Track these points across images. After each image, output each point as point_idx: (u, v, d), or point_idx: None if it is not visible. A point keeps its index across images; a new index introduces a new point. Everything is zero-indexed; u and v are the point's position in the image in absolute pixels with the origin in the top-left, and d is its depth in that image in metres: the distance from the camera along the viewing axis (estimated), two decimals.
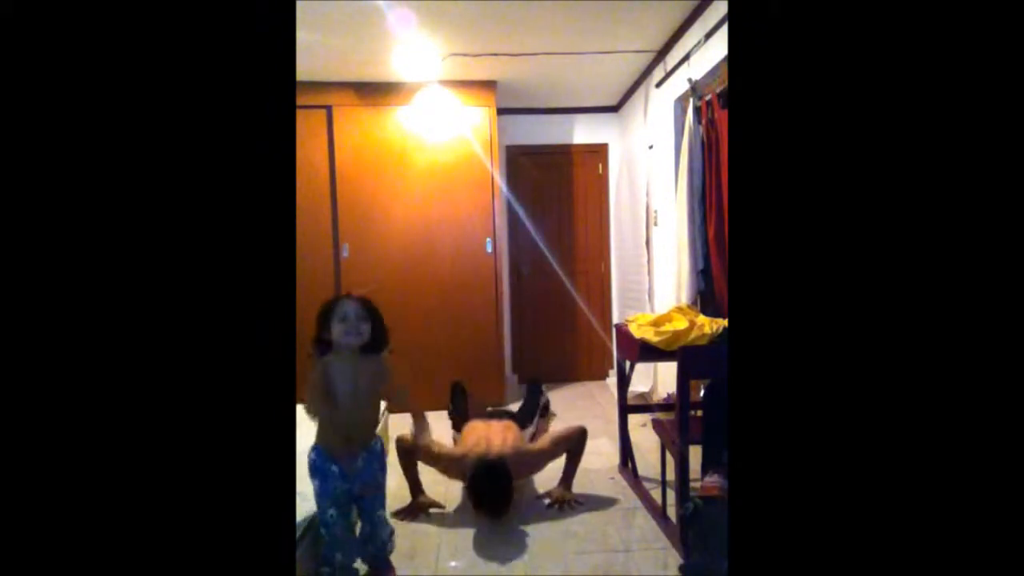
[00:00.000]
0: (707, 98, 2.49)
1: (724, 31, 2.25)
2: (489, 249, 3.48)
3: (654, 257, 3.29)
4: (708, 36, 2.37)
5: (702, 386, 2.06)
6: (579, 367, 4.20)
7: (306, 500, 1.66)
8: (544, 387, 3.18)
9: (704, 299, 2.63)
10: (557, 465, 2.21)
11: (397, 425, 1.91)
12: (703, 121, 2.54)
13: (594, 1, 2.44)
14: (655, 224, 3.25)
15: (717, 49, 2.32)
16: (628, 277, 3.85)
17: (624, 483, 2.31)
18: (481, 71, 3.26)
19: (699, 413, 1.87)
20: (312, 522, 1.61)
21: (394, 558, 1.68)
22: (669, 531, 1.86)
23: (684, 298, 2.60)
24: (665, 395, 2.90)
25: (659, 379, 3.10)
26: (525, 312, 4.17)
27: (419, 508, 2.08)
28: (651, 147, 3.27)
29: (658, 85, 3.05)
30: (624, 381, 2.42)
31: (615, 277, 4.17)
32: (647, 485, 2.25)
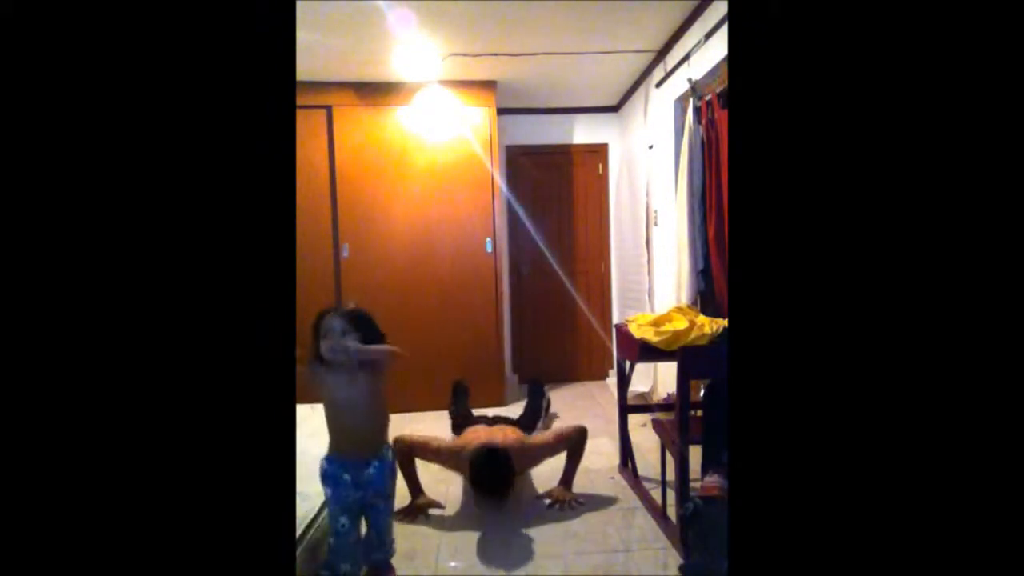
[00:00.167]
0: (707, 98, 2.49)
1: (724, 31, 2.25)
2: (489, 249, 3.48)
3: (654, 257, 3.29)
4: (708, 36, 2.37)
5: (702, 386, 2.06)
6: (579, 367, 4.20)
7: (306, 500, 1.66)
8: (544, 387, 3.18)
9: (704, 299, 2.63)
10: (557, 465, 2.21)
11: (397, 425, 1.91)
12: (703, 121, 2.54)
13: (594, 1, 2.44)
14: (655, 224, 3.25)
15: (717, 49, 2.32)
16: (628, 277, 3.85)
17: (624, 483, 2.31)
18: (481, 71, 3.26)
19: (699, 413, 1.87)
20: (312, 522, 1.62)
21: (394, 558, 1.68)
22: (669, 531, 1.86)
23: (684, 298, 2.60)
24: (665, 395, 2.90)
25: (659, 379, 3.10)
26: (525, 312, 4.17)
27: (419, 508, 2.08)
28: (651, 147, 3.27)
29: (658, 85, 3.05)
30: (624, 381, 2.42)
31: (615, 277, 4.17)
32: (647, 485, 2.25)
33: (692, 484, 1.73)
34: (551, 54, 3.03)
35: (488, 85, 3.43)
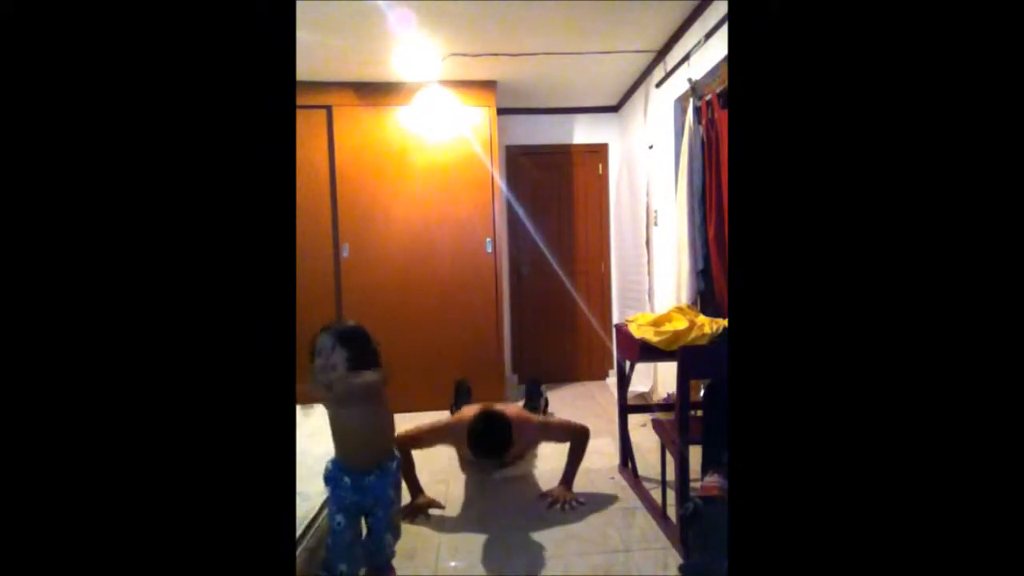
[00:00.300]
0: (707, 98, 2.49)
1: (724, 31, 2.25)
2: (489, 249, 3.48)
3: (654, 257, 3.29)
4: (708, 36, 2.37)
5: (702, 386, 2.06)
6: (579, 367, 4.20)
7: (306, 500, 1.66)
8: (544, 387, 3.19)
9: (704, 299, 2.63)
10: (558, 465, 2.21)
11: (397, 426, 1.92)
12: (703, 121, 2.54)
13: (594, 1, 2.44)
14: (655, 224, 3.25)
15: (717, 49, 2.32)
16: (628, 277, 3.85)
17: (624, 483, 2.31)
18: (481, 71, 3.26)
19: (699, 413, 1.87)
20: (312, 522, 1.62)
21: (395, 558, 1.68)
22: (669, 531, 1.86)
23: (684, 298, 2.60)
24: (665, 395, 2.90)
25: (659, 379, 3.10)
26: (525, 312, 4.16)
27: (419, 508, 2.08)
28: (651, 147, 3.27)
29: (658, 85, 3.05)
30: (624, 381, 2.42)
31: (615, 277, 4.17)
32: (647, 485, 2.25)
33: (692, 484, 1.73)
34: (551, 54, 3.03)
35: (488, 85, 3.43)
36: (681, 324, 1.95)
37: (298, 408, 1.42)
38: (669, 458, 1.93)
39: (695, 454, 1.74)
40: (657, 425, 2.05)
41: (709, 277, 2.57)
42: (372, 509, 1.57)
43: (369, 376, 1.53)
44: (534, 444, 2.29)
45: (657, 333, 1.93)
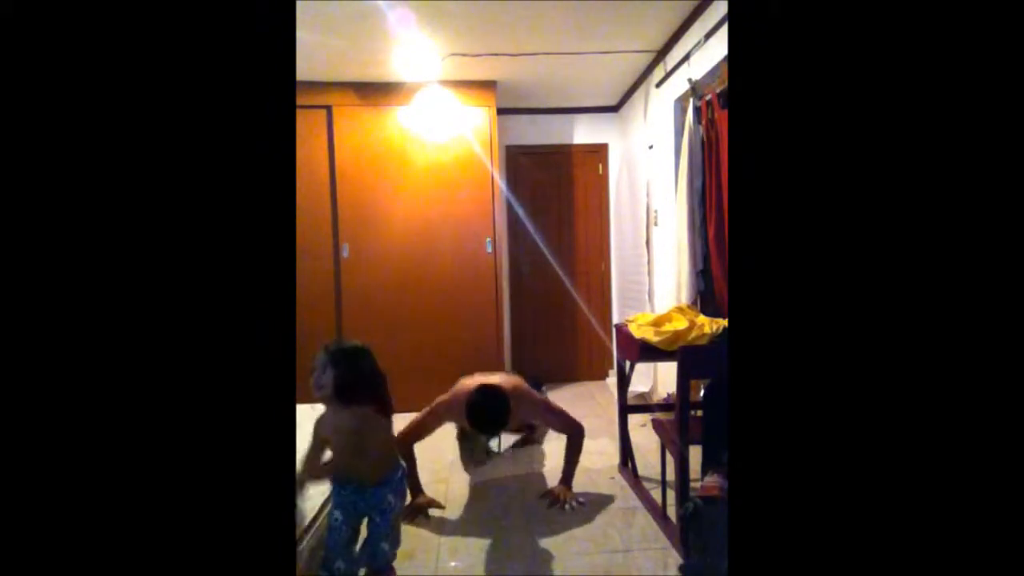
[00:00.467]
0: (707, 98, 2.49)
1: (724, 31, 2.25)
2: (489, 249, 3.48)
3: (654, 257, 3.29)
4: (708, 36, 2.37)
5: (702, 386, 2.06)
6: (579, 367, 4.20)
7: (306, 500, 1.66)
8: (544, 387, 3.19)
9: (704, 299, 2.63)
10: (557, 465, 2.20)
11: (396, 426, 1.92)
12: (703, 121, 2.54)
13: (594, 1, 2.44)
14: (655, 224, 3.25)
15: (717, 49, 2.32)
16: (628, 277, 3.85)
17: (624, 483, 2.31)
18: (481, 71, 3.26)
19: (699, 413, 1.87)
20: (312, 522, 1.62)
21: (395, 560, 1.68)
22: (669, 531, 1.86)
23: (684, 298, 2.60)
24: (665, 395, 2.90)
25: (659, 379, 3.10)
26: (525, 312, 4.16)
27: (419, 508, 2.08)
28: (651, 147, 3.27)
29: (658, 85, 3.05)
30: (624, 381, 2.42)
31: (615, 277, 4.17)
32: (647, 485, 2.25)
33: (692, 484, 1.73)
34: (551, 54, 3.03)
35: (488, 85, 3.43)
36: (681, 324, 1.95)
37: (299, 408, 1.41)
38: (669, 458, 1.93)
39: (695, 454, 1.74)
40: (657, 425, 2.05)
41: (709, 277, 2.57)
42: (371, 514, 1.58)
43: (354, 415, 1.51)
44: (535, 417, 2.29)
45: (657, 333, 1.93)
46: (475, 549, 1.84)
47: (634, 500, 2.16)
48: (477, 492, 2.30)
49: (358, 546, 1.60)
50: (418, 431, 2.15)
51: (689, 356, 1.79)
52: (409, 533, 1.93)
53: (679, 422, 1.75)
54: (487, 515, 2.08)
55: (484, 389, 2.06)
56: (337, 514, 1.54)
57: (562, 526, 1.97)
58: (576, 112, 4.08)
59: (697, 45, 2.48)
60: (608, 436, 2.83)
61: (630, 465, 2.35)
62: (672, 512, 1.90)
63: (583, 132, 4.13)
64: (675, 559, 1.73)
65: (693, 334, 1.88)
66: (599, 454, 2.61)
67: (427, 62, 3.07)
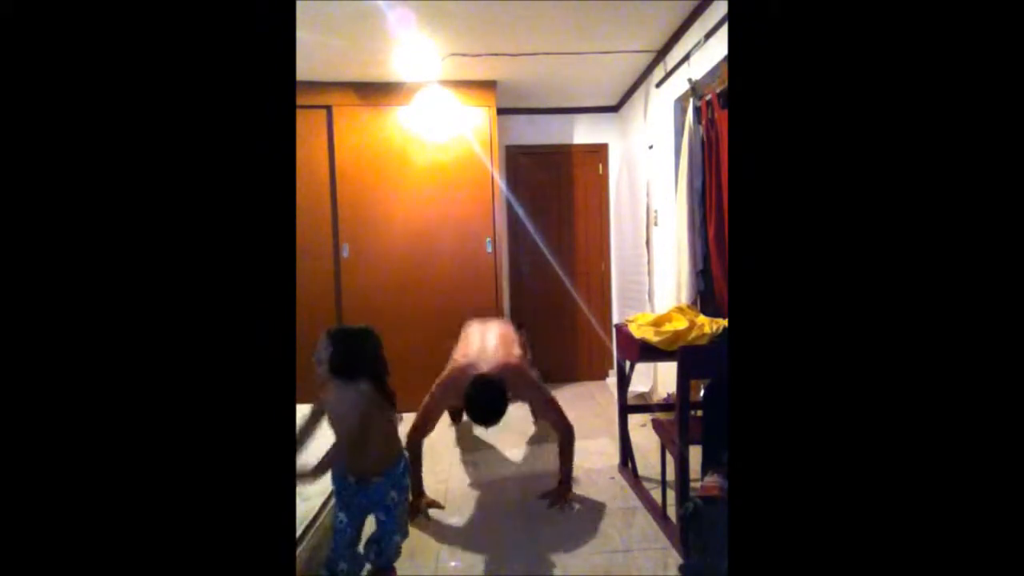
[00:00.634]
0: (707, 98, 2.49)
1: (724, 31, 2.24)
2: (489, 249, 3.48)
3: (654, 257, 3.29)
4: (708, 36, 2.37)
5: (702, 386, 2.06)
6: (579, 367, 4.20)
7: (306, 500, 1.66)
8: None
9: (704, 299, 2.63)
10: (556, 466, 2.21)
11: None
12: (703, 121, 2.54)
13: (594, 1, 2.44)
14: (655, 224, 3.25)
15: (717, 49, 2.32)
16: (628, 277, 3.85)
17: (624, 483, 2.31)
18: (481, 71, 3.26)
19: (699, 413, 1.87)
20: (312, 522, 1.62)
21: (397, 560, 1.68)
22: (669, 531, 1.86)
23: (684, 298, 2.60)
24: (665, 395, 2.90)
25: (659, 379, 3.10)
26: (525, 312, 4.16)
27: (419, 508, 2.08)
28: (651, 147, 3.27)
29: (658, 85, 3.05)
30: (624, 381, 2.42)
31: (615, 277, 4.17)
32: (647, 485, 2.25)
33: (692, 484, 1.73)
34: (551, 54, 3.03)
35: (488, 85, 3.43)
36: (681, 324, 1.95)
37: (299, 408, 1.41)
38: (669, 458, 1.93)
39: (695, 454, 1.74)
40: (657, 425, 2.05)
41: (709, 277, 2.57)
42: (376, 511, 1.57)
43: (350, 392, 1.50)
44: (528, 400, 2.29)
45: (657, 333, 1.93)
46: (475, 549, 1.84)
47: (634, 500, 2.16)
48: (477, 492, 2.30)
49: (360, 546, 1.60)
50: (425, 422, 2.13)
51: (689, 356, 1.79)
52: (409, 533, 1.93)
53: (679, 422, 1.75)
54: (487, 515, 2.08)
55: (481, 381, 2.03)
56: (342, 516, 1.54)
57: (562, 526, 1.97)
58: (576, 112, 4.08)
59: (697, 45, 2.48)
60: (608, 436, 2.83)
61: (630, 465, 2.35)
62: (672, 512, 1.90)
63: (583, 132, 4.13)
64: (675, 559, 1.73)
65: (693, 334, 1.88)
66: (599, 454, 2.60)
67: (427, 62, 3.07)
